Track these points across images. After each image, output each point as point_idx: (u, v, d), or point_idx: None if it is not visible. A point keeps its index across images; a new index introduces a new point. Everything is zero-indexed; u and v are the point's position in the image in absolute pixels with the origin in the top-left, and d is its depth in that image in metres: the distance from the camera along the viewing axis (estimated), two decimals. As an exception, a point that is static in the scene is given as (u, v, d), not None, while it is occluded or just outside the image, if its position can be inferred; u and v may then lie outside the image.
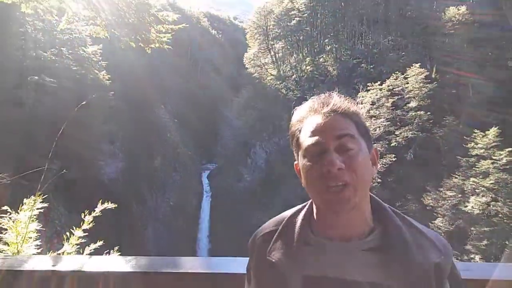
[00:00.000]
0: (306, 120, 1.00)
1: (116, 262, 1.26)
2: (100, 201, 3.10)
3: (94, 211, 3.10)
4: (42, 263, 1.27)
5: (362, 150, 0.95)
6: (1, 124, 14.32)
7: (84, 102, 3.01)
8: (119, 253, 2.83)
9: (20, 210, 2.92)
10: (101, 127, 22.15)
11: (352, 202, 0.91)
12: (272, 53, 36.52)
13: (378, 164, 1.04)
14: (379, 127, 21.57)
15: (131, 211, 25.82)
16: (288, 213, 1.09)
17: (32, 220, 2.89)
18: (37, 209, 2.95)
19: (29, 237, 2.74)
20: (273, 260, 0.98)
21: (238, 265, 1.30)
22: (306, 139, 0.97)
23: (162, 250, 27.16)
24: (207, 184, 32.55)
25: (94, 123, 21.00)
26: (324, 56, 34.32)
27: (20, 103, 15.78)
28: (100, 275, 1.19)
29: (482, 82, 21.72)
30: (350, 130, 0.95)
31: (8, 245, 2.59)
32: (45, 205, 2.99)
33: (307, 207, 1.07)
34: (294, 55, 37.14)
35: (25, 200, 3.01)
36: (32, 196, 3.02)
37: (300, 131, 1.01)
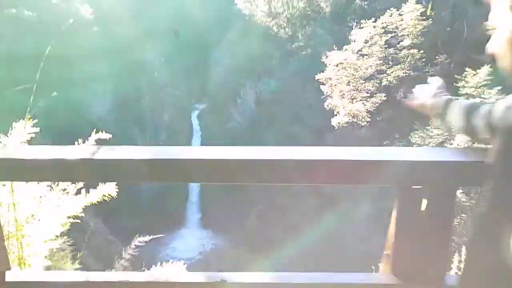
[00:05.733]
0: None
1: (127, 151, 1.23)
2: (94, 131, 3.04)
3: (88, 140, 3.05)
4: (45, 153, 1.23)
5: None
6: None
7: (69, 22, 2.83)
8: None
9: (9, 134, 2.86)
10: (86, 65, 21.48)
11: None
12: (263, -13, 34.79)
13: None
14: (371, 66, 21.27)
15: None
16: None
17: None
18: (28, 133, 2.89)
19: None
20: None
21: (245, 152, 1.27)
22: None
23: (153, 187, 27.73)
24: (197, 124, 32.50)
25: (79, 61, 20.38)
26: (317, -9, 32.87)
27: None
28: (112, 161, 1.18)
29: (477, 19, 21.20)
30: None
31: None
32: (36, 130, 2.92)
33: None
34: (286, -10, 35.47)
35: (13, 124, 2.93)
36: (21, 120, 2.94)
37: None
